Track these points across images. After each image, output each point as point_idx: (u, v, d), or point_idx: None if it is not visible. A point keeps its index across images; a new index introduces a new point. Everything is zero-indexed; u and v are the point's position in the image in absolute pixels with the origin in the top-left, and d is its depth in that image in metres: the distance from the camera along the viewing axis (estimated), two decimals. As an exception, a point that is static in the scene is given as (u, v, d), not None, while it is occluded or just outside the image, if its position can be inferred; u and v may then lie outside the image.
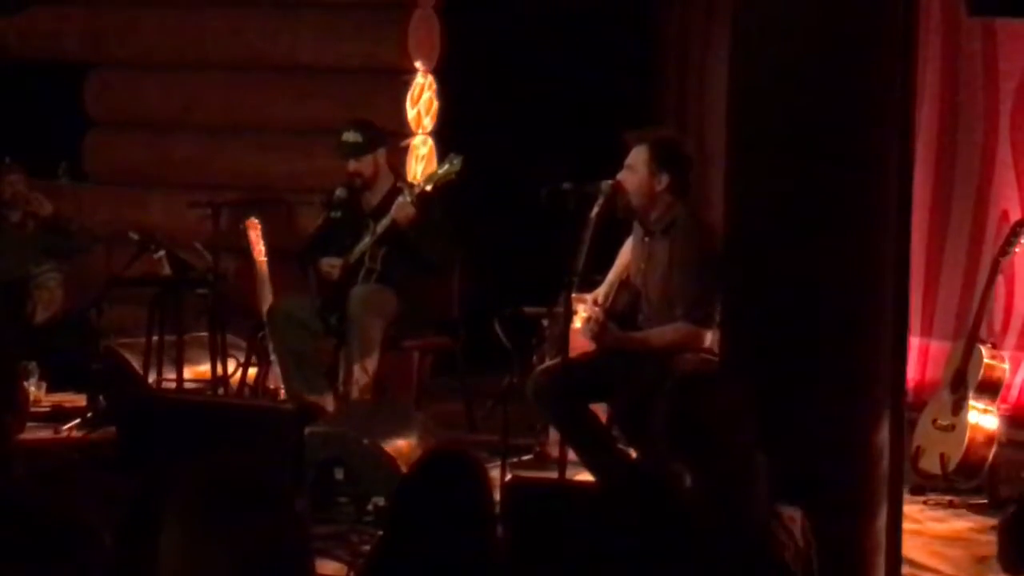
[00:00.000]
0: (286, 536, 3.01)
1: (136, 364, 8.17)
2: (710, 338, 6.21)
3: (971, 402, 6.98)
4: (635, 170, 6.43)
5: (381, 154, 7.86)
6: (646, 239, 6.53)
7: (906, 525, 5.45)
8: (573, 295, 6.49)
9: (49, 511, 3.30)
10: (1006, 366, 7.17)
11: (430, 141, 9.16)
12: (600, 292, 6.72)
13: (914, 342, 7.82)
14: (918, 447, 6.99)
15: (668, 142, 6.56)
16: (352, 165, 7.80)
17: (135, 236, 8.37)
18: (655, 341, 6.37)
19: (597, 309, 6.55)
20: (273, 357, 7.88)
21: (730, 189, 5.15)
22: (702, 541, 3.72)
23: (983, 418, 6.98)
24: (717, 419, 3.97)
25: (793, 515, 3.99)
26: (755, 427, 3.98)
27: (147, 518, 3.25)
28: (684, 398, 4.10)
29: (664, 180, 6.41)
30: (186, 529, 2.95)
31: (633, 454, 6.41)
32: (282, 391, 7.84)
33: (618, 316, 6.53)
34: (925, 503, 6.86)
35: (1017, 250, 7.17)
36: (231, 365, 8.34)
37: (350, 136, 7.81)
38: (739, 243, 5.12)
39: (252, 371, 8.26)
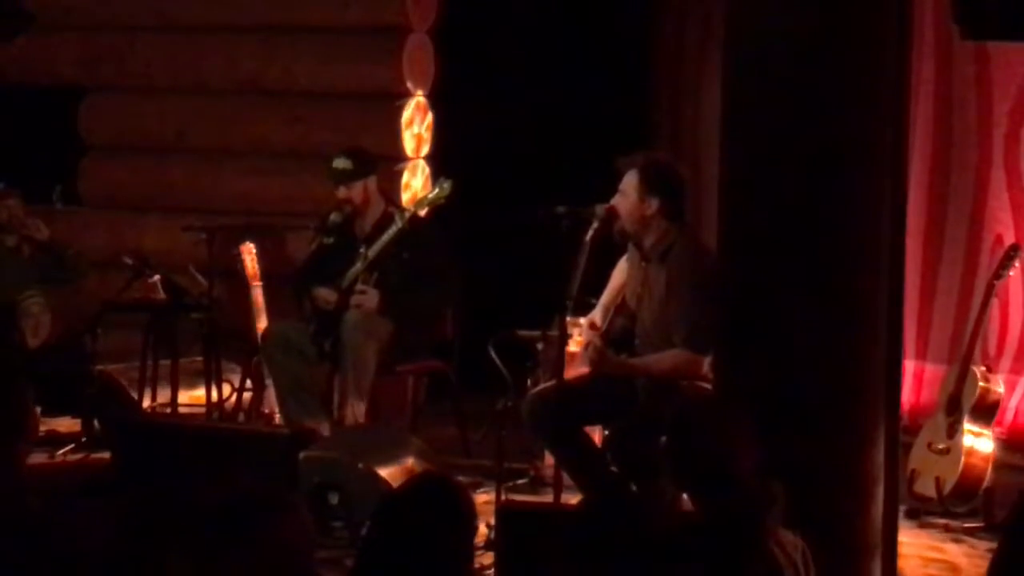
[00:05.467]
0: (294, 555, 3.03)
1: (131, 389, 8.16)
2: (708, 365, 6.19)
3: (966, 425, 6.98)
4: (627, 195, 6.44)
5: (372, 180, 7.86)
6: (643, 264, 6.53)
7: (901, 549, 5.45)
8: (568, 318, 6.49)
9: (52, 537, 3.31)
10: (1001, 389, 7.18)
11: (425, 165, 9.17)
12: (595, 316, 6.71)
13: (909, 365, 7.82)
14: (913, 470, 6.99)
15: (659, 166, 6.55)
16: (342, 192, 7.81)
17: (130, 260, 8.37)
18: (654, 367, 6.36)
19: (594, 334, 6.55)
20: (268, 382, 7.88)
21: (724, 214, 5.15)
22: (705, 568, 3.72)
23: (978, 441, 6.98)
24: (722, 448, 3.98)
25: (792, 541, 3.99)
26: (759, 454, 3.98)
27: (145, 543, 3.25)
28: (688, 429, 4.10)
29: (654, 205, 6.40)
30: (195, 556, 2.96)
31: (628, 478, 6.40)
32: (277, 416, 7.83)
33: (614, 340, 6.53)
34: (920, 526, 6.85)
35: (1011, 274, 7.18)
36: (226, 390, 8.33)
37: (340, 163, 7.82)
38: (733, 267, 5.12)
39: (247, 396, 8.26)
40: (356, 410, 7.48)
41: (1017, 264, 7.14)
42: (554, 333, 6.55)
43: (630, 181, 6.44)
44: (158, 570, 3.11)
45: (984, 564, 6.28)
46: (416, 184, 9.07)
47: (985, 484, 6.92)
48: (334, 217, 7.86)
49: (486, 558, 5.63)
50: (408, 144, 9.06)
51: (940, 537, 6.77)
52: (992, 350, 7.88)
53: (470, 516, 3.48)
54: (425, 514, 3.39)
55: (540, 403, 6.47)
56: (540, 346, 7.31)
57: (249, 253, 8.25)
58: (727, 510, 3.89)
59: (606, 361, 6.41)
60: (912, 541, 6.52)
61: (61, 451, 7.80)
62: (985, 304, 7.21)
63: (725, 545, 3.82)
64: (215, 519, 3.07)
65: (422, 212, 7.83)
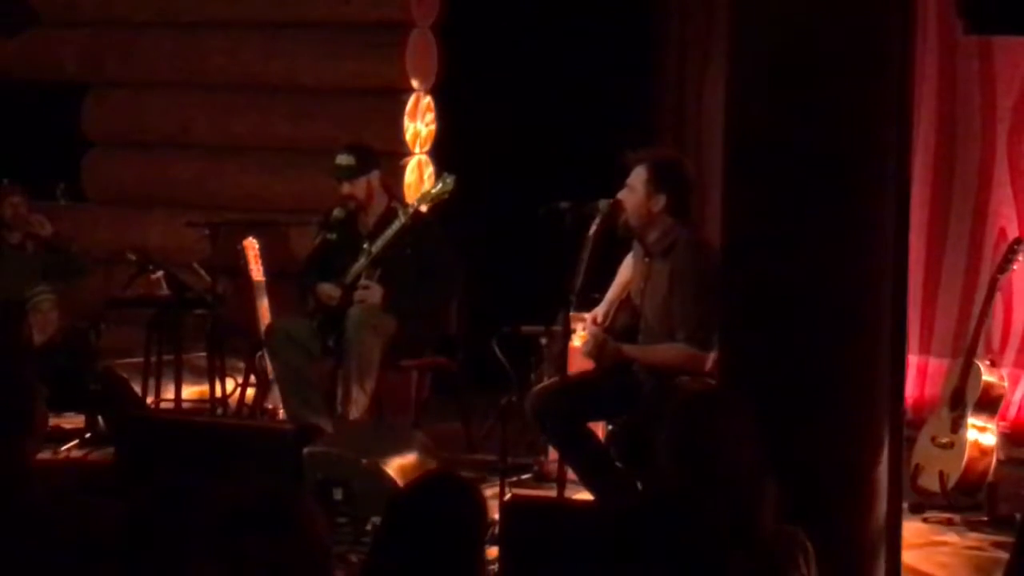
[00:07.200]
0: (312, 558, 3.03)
1: (135, 384, 8.17)
2: (711, 361, 6.18)
3: (970, 419, 6.98)
4: (634, 190, 6.43)
5: (375, 176, 7.86)
6: (646, 259, 6.52)
7: (905, 543, 5.45)
8: (572, 314, 6.48)
9: (62, 529, 3.32)
10: (1005, 383, 7.18)
11: (428, 160, 9.18)
12: (599, 311, 6.71)
13: (912, 360, 7.84)
14: (917, 465, 6.99)
15: (668, 163, 6.55)
16: (346, 188, 7.81)
17: (133, 256, 8.37)
18: (656, 355, 6.35)
19: (596, 328, 6.55)
20: (271, 377, 7.88)
21: (727, 210, 5.15)
22: (705, 563, 3.72)
23: (982, 435, 6.98)
24: (722, 441, 3.97)
25: (791, 535, 3.99)
26: (760, 449, 3.98)
27: (156, 539, 3.25)
28: (688, 421, 4.10)
29: (662, 201, 6.40)
30: (228, 555, 2.96)
31: (632, 474, 6.40)
32: (281, 411, 7.84)
33: (617, 335, 6.52)
34: (924, 521, 6.85)
35: (1015, 267, 7.18)
36: (229, 385, 8.34)
37: (343, 159, 7.82)
38: (736, 264, 5.12)
39: (250, 391, 8.26)
40: (360, 406, 7.49)
41: (1021, 258, 7.13)
42: (558, 328, 6.55)
43: (639, 176, 6.43)
44: (166, 567, 3.11)
45: (988, 558, 6.30)
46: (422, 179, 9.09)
47: (989, 478, 6.93)
48: (337, 213, 7.87)
49: (490, 552, 5.63)
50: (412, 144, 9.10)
51: (944, 531, 6.77)
52: (996, 344, 7.90)
53: (482, 515, 3.48)
54: (437, 513, 3.38)
55: (543, 400, 6.47)
56: (544, 341, 7.31)
57: (252, 249, 8.25)
58: (722, 505, 3.88)
59: (606, 350, 6.41)
60: (916, 536, 6.52)
61: (65, 447, 7.81)
62: (989, 298, 7.21)
63: (719, 540, 3.82)
64: (245, 517, 3.07)
65: (425, 208, 7.83)
